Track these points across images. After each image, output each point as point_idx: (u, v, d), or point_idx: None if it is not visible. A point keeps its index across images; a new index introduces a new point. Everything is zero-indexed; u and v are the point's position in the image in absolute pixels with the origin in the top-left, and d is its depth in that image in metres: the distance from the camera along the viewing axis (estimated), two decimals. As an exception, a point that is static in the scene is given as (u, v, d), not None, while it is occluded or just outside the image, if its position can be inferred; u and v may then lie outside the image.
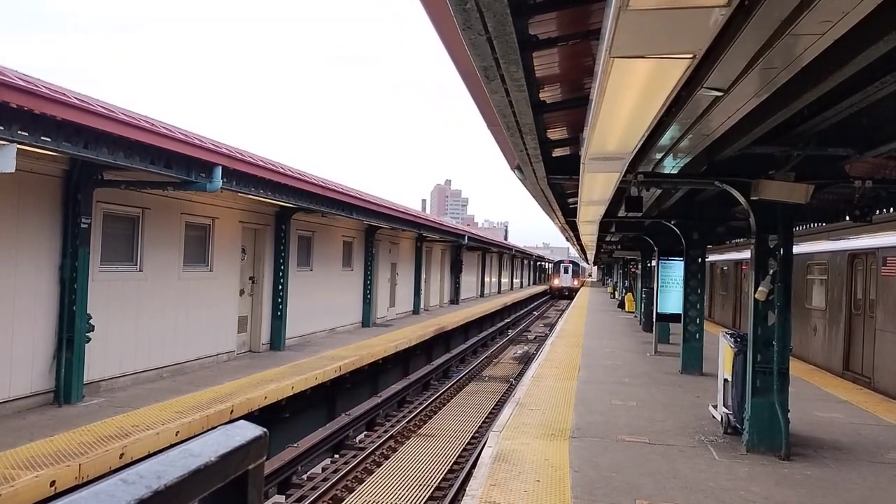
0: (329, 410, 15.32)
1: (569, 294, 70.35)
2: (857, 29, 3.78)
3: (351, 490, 10.32)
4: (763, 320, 8.75)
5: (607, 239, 24.86)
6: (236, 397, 11.03)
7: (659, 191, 11.66)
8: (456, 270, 38.88)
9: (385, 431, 14.02)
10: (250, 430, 1.05)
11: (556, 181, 10.55)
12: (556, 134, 9.00)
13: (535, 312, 52.39)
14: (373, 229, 23.50)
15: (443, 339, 26.09)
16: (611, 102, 4.22)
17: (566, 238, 33.07)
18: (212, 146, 11.00)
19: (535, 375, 14.11)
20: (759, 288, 8.72)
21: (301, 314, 18.19)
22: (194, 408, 10.19)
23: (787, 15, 3.45)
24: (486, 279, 50.22)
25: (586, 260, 56.25)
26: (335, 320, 21.23)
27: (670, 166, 8.50)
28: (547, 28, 5.22)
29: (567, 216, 17.45)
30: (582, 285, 78.59)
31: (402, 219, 23.77)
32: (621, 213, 12.30)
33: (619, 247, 28.93)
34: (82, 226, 10.37)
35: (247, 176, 12.37)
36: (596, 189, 9.06)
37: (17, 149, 7.52)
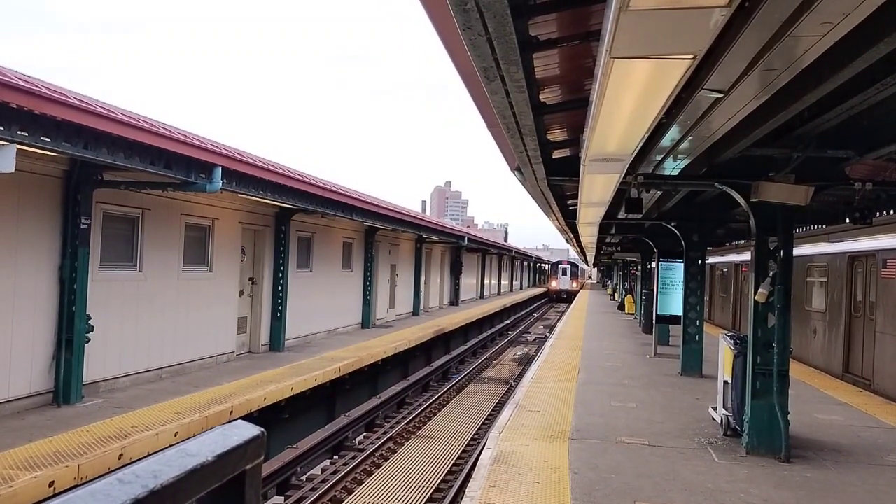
0: (328, 411, 15.30)
1: (567, 297, 67.24)
2: (857, 31, 3.78)
3: (350, 491, 10.30)
4: (763, 322, 8.75)
5: (607, 241, 24.86)
6: (236, 398, 11.02)
7: (659, 192, 11.68)
8: (456, 272, 38.87)
9: (384, 433, 14.00)
10: (248, 430, 1.04)
11: (556, 182, 10.56)
12: (555, 135, 9.00)
13: (534, 314, 52.40)
14: (372, 230, 23.50)
15: (442, 341, 26.07)
16: (611, 103, 4.21)
17: (566, 240, 33.07)
18: (212, 147, 11.00)
19: (535, 377, 14.11)
20: (759, 290, 8.71)
21: (301, 315, 18.18)
22: (193, 409, 10.18)
23: (787, 16, 3.46)
24: (486, 281, 50.20)
25: (586, 261, 56.17)
26: (335, 321, 21.22)
27: (670, 168, 8.51)
28: (547, 29, 5.23)
29: (567, 218, 17.45)
30: (581, 287, 75.52)
31: (402, 220, 23.76)
32: (621, 214, 12.32)
33: (619, 248, 28.95)
34: (82, 226, 10.36)
35: (247, 177, 12.37)
36: (596, 190, 9.06)
37: (17, 149, 7.52)
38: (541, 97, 6.80)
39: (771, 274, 8.73)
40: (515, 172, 10.39)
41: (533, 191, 12.14)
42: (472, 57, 4.35)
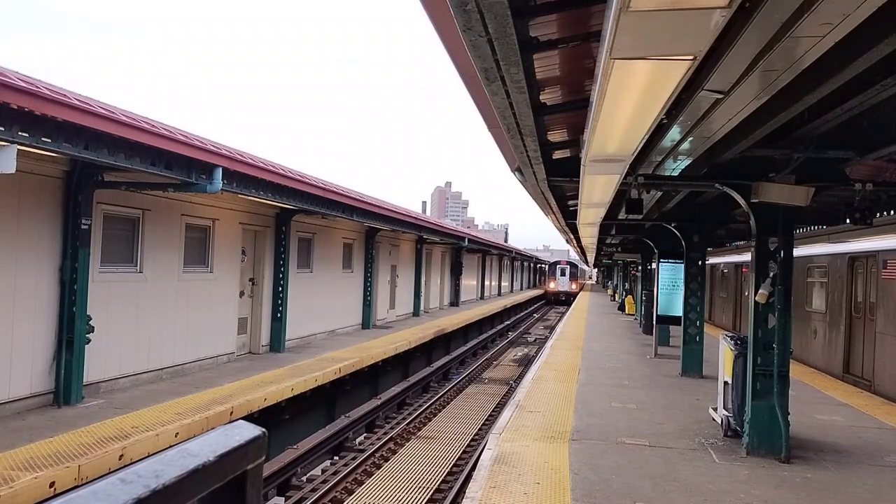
0: (329, 412, 15.30)
1: (566, 299, 62.70)
2: (857, 31, 3.78)
3: (350, 492, 10.30)
4: (763, 323, 8.75)
5: (607, 241, 24.86)
6: (236, 399, 11.02)
7: (659, 193, 11.68)
8: (456, 273, 38.86)
9: (385, 433, 14.00)
10: (249, 430, 1.04)
11: (556, 183, 10.56)
12: (556, 136, 9.00)
13: (535, 315, 52.41)
14: (373, 231, 23.50)
15: (443, 342, 26.08)
16: (611, 104, 4.22)
17: (566, 240, 33.07)
18: (212, 147, 11.00)
19: (535, 378, 14.11)
20: (760, 290, 8.71)
21: (301, 316, 18.18)
22: (194, 409, 10.18)
23: (787, 17, 3.46)
24: (487, 282, 50.20)
25: (586, 262, 55.92)
26: (335, 322, 21.22)
27: (671, 168, 8.51)
28: (547, 30, 5.23)
29: (567, 218, 17.45)
30: (581, 289, 71.31)
31: (403, 221, 23.76)
32: (621, 215, 12.31)
33: (620, 249, 28.96)
34: (82, 227, 10.37)
35: (247, 177, 12.37)
36: (596, 191, 9.06)
37: (18, 150, 7.52)
38: (541, 98, 6.81)
39: (771, 275, 8.73)
40: (516, 173, 10.39)
41: (533, 191, 12.14)
42: (472, 58, 4.36)
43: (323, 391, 14.54)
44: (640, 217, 11.05)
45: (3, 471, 7.02)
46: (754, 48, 3.90)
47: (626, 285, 41.86)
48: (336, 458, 12.56)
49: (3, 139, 7.36)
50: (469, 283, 43.38)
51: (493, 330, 36.07)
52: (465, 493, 7.47)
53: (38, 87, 7.51)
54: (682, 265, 15.79)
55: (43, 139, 7.89)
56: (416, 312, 30.13)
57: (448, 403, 17.25)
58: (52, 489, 7.06)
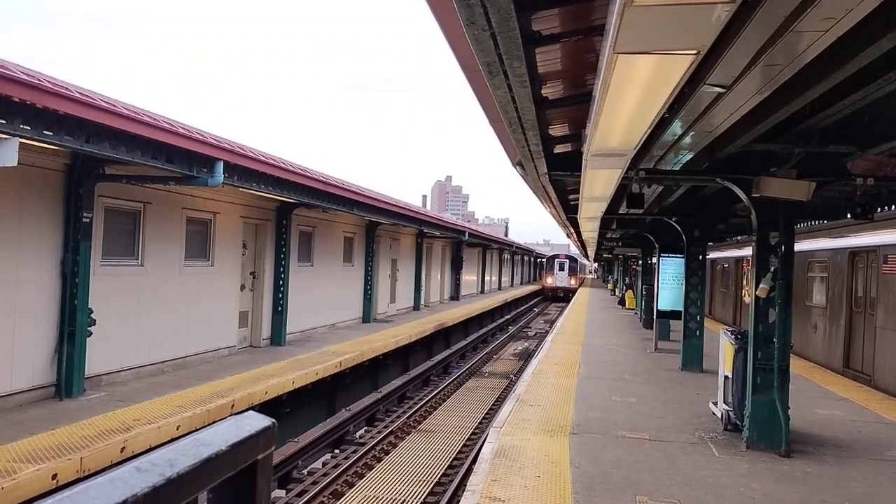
0: (329, 406, 15.35)
1: (564, 296, 57.82)
2: (859, 26, 3.78)
3: (351, 485, 10.34)
4: (764, 317, 8.76)
5: (608, 236, 24.87)
6: (237, 392, 11.05)
7: (660, 187, 11.68)
8: (456, 267, 38.88)
9: (385, 427, 14.04)
10: (259, 421, 1.06)
11: (557, 178, 10.56)
12: (557, 130, 9.00)
13: (535, 309, 52.45)
14: (374, 225, 23.51)
15: (443, 336, 26.11)
16: (614, 99, 4.22)
17: (567, 234, 33.09)
18: (213, 141, 11.00)
19: (536, 372, 14.13)
20: (761, 285, 8.73)
21: (302, 309, 18.21)
22: (195, 402, 10.21)
23: (790, 12, 3.46)
24: (487, 276, 50.22)
25: (586, 256, 55.71)
26: (336, 316, 21.25)
27: (672, 163, 8.51)
28: (550, 24, 5.23)
29: (568, 213, 17.46)
30: (581, 284, 66.96)
31: (403, 215, 23.77)
32: (622, 209, 12.30)
33: (620, 243, 28.96)
34: (84, 220, 10.38)
35: (248, 171, 12.38)
36: (598, 186, 9.07)
37: (20, 143, 7.53)
38: (543, 92, 6.81)
39: (772, 269, 8.74)
40: (517, 167, 10.39)
41: (534, 186, 12.15)
42: (475, 52, 4.36)
43: (324, 384, 14.57)
44: (641, 211, 11.07)
45: (5, 463, 7.05)
46: (756, 43, 3.90)
47: (627, 280, 41.86)
48: (337, 451, 12.60)
49: (4, 132, 7.36)
50: (469, 277, 43.41)
51: (494, 324, 36.11)
52: (465, 486, 7.50)
53: (39, 80, 7.51)
54: (683, 259, 15.79)
55: (45, 132, 7.89)
56: (416, 306, 30.16)
57: (448, 397, 17.29)
58: (55, 481, 7.08)
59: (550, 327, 31.03)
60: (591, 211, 13.06)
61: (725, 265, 28.34)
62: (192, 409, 9.76)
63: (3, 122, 7.30)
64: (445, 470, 11.08)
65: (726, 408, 9.56)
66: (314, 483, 10.40)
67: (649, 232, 19.28)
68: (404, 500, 9.67)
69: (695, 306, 15.28)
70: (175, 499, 0.82)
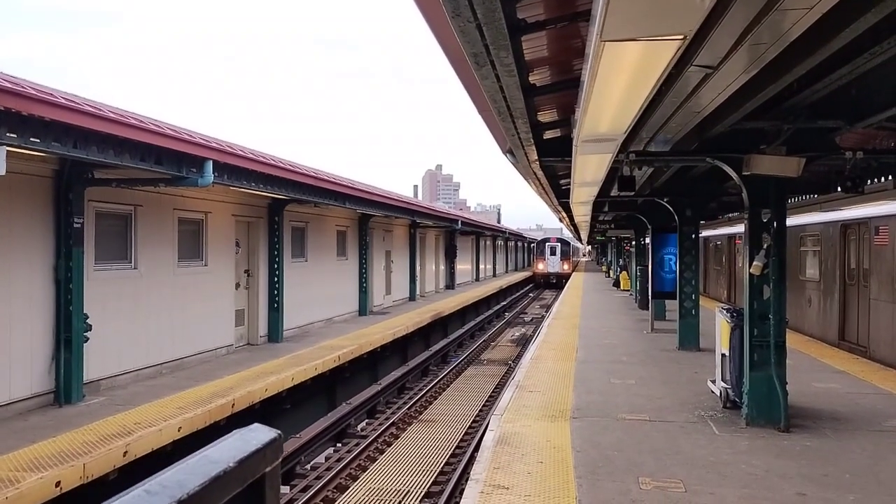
0: (329, 400, 15.36)
1: (557, 282, 55.52)
2: (844, 1, 3.78)
3: (355, 478, 10.37)
4: (758, 294, 8.79)
5: (600, 218, 24.89)
6: (237, 391, 11.06)
7: (651, 169, 11.69)
8: (451, 255, 38.89)
9: (386, 419, 14.08)
10: (265, 433, 1.06)
11: (548, 164, 10.55)
12: (546, 116, 9.00)
13: (530, 294, 52.55)
14: (366, 218, 23.48)
15: (440, 325, 26.15)
16: (602, 86, 4.22)
17: (559, 219, 33.13)
18: (202, 141, 10.95)
19: (534, 357, 14.17)
20: (754, 262, 8.75)
21: (297, 305, 18.20)
22: (195, 403, 10.21)
23: (775, -9, 3.46)
24: (482, 264, 50.24)
25: (579, 239, 55.50)
26: (332, 310, 21.25)
27: (662, 144, 8.52)
28: (534, 11, 5.22)
29: (560, 198, 17.48)
30: (574, 269, 63.39)
31: (395, 206, 23.75)
32: (614, 192, 12.33)
33: (613, 226, 28.99)
34: (75, 225, 10.34)
35: (238, 169, 12.33)
36: (589, 170, 9.07)
37: (7, 151, 7.48)
38: (530, 79, 6.80)
39: (765, 246, 8.77)
40: (507, 155, 10.39)
41: (525, 173, 12.14)
42: (461, 43, 4.35)
43: (323, 379, 14.59)
44: (633, 193, 11.08)
45: (8, 472, 7.04)
46: (742, 23, 3.90)
47: (621, 261, 41.93)
48: (339, 444, 12.63)
49: (-9, 141, 7.32)
50: (464, 265, 43.44)
51: (490, 311, 36.16)
52: (468, 474, 7.53)
53: (23, 88, 7.46)
54: (676, 238, 15.81)
55: (31, 139, 7.84)
56: (412, 297, 30.17)
57: (448, 386, 17.34)
58: (59, 489, 7.09)
59: (547, 312, 31.11)
60: (583, 195, 13.07)
61: (718, 243, 28.41)
62: (192, 410, 9.76)
63: (-11, 130, 7.26)
64: (448, 459, 11.13)
65: (724, 385, 9.60)
66: (318, 478, 10.43)
67: (641, 213, 19.30)
68: (408, 490, 9.71)
69: (689, 285, 15.31)
70: (186, 520, 0.82)
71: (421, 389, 16.93)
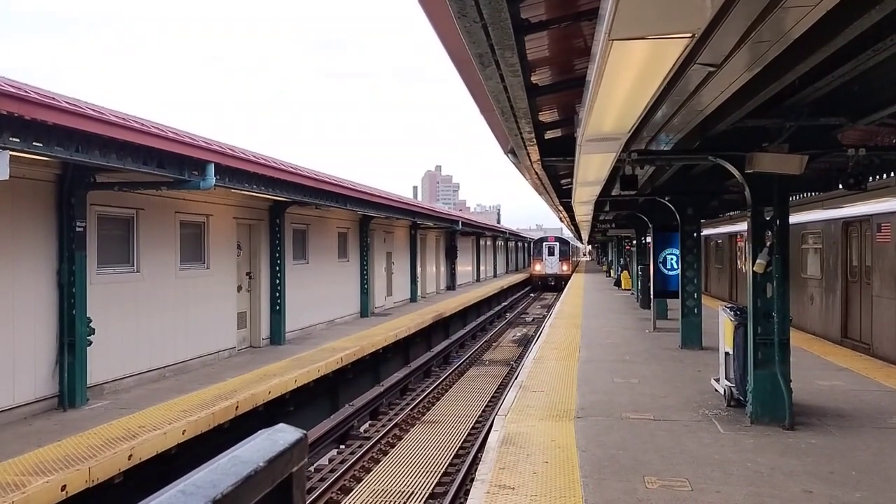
0: (332, 402, 15.36)
1: (555, 284, 52.29)
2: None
3: (359, 480, 10.37)
4: (762, 292, 8.79)
5: (601, 218, 24.89)
6: (240, 393, 11.05)
7: (652, 168, 11.69)
8: (451, 256, 38.89)
9: (389, 420, 14.09)
10: (291, 434, 1.06)
11: (549, 163, 10.56)
12: (547, 116, 9.00)
13: (531, 294, 52.54)
14: (367, 219, 23.49)
15: (442, 326, 26.14)
16: (609, 85, 4.22)
17: (560, 218, 33.12)
18: (203, 144, 10.96)
19: (536, 357, 14.17)
20: (757, 260, 8.75)
21: (299, 307, 18.20)
22: (199, 406, 10.21)
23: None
24: (482, 264, 50.24)
25: (580, 239, 55.06)
26: (333, 312, 21.24)
27: (664, 143, 8.52)
28: (538, 11, 5.22)
29: (562, 197, 17.47)
30: (574, 270, 59.77)
31: (396, 207, 23.75)
32: (615, 191, 12.32)
33: (614, 225, 28.97)
34: (77, 229, 10.34)
35: (239, 172, 12.34)
36: (591, 170, 9.07)
37: (10, 155, 7.49)
38: (532, 79, 6.80)
39: (768, 244, 8.77)
40: (509, 155, 10.39)
41: (527, 173, 12.15)
42: (466, 43, 4.35)
43: (326, 381, 14.58)
44: (635, 193, 11.08)
45: (14, 477, 7.04)
46: (745, 21, 3.91)
47: (622, 261, 41.92)
48: (342, 446, 12.63)
49: (-6, 146, 7.32)
50: (464, 266, 43.44)
51: (491, 311, 36.17)
52: (472, 475, 7.53)
53: (26, 92, 7.47)
54: (678, 237, 15.81)
55: (34, 143, 7.85)
56: (413, 298, 30.17)
57: (450, 387, 17.35)
58: (65, 493, 7.08)
59: (548, 312, 31.11)
60: (584, 195, 13.08)
61: (719, 241, 28.41)
62: (196, 413, 9.76)
63: (-8, 135, 7.26)
64: (452, 460, 11.13)
65: (728, 384, 9.60)
66: (322, 480, 10.43)
67: (643, 212, 19.31)
68: (413, 492, 9.71)
69: (691, 284, 15.31)
70: (221, 520, 0.82)
71: (423, 390, 16.94)
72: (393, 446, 12.10)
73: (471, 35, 4.13)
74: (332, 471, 10.86)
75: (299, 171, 14.92)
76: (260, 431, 1.06)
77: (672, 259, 17.59)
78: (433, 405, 15.36)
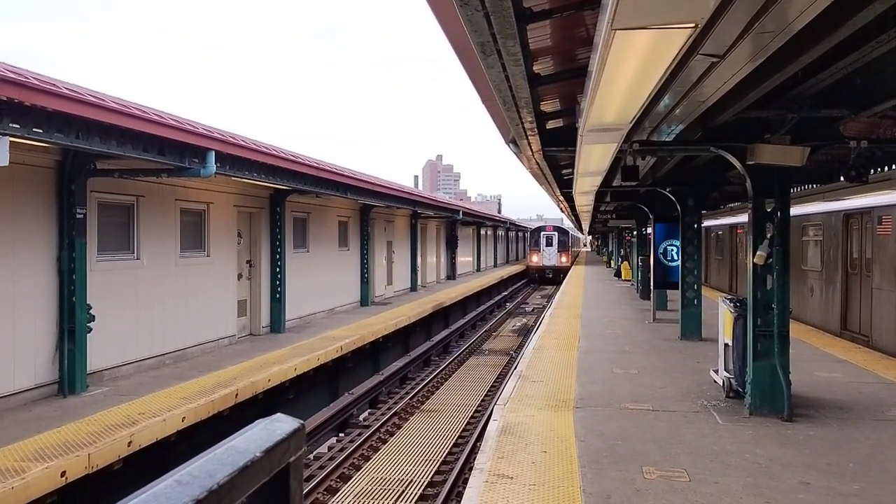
0: (332, 390, 15.40)
1: (553, 277, 49.37)
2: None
3: (358, 468, 10.41)
4: (762, 284, 8.79)
5: (602, 208, 24.86)
6: (240, 381, 11.08)
7: (654, 158, 11.67)
8: (452, 246, 38.89)
9: (389, 409, 14.12)
10: (289, 423, 1.06)
11: (550, 153, 10.54)
12: (548, 106, 8.97)
13: (531, 285, 52.55)
14: (367, 208, 23.47)
15: (442, 315, 26.17)
16: (611, 75, 4.20)
17: (560, 209, 33.08)
18: (204, 131, 10.93)
19: (536, 347, 14.18)
20: (758, 252, 8.74)
21: (299, 296, 18.21)
22: (199, 393, 10.23)
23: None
24: (482, 254, 50.23)
25: (580, 229, 54.80)
26: (334, 300, 21.26)
27: (666, 133, 8.50)
28: (540, 0, 5.19)
29: (563, 188, 17.44)
30: (574, 261, 56.78)
31: (397, 196, 23.73)
32: (616, 182, 12.30)
33: (614, 215, 28.96)
34: (78, 216, 10.34)
35: (240, 160, 12.32)
36: (593, 160, 9.05)
37: (10, 141, 7.47)
38: (534, 69, 6.77)
39: (768, 235, 8.76)
40: (510, 145, 10.37)
41: (528, 163, 12.12)
42: (468, 32, 4.32)
43: (325, 370, 14.61)
44: (636, 183, 11.05)
45: (14, 462, 7.07)
46: (749, 12, 3.89)
47: (622, 252, 41.90)
48: (342, 434, 12.67)
49: (-6, 132, 7.30)
50: (465, 256, 43.44)
51: (491, 301, 36.20)
52: (471, 464, 7.55)
53: (26, 78, 7.45)
54: (678, 229, 15.80)
55: (34, 130, 7.83)
56: (413, 287, 30.19)
57: (450, 376, 17.38)
58: (64, 478, 7.11)
59: (548, 302, 31.13)
60: (585, 185, 13.05)
61: (720, 232, 28.39)
62: (196, 401, 9.78)
63: (-8, 121, 7.25)
64: (451, 448, 11.17)
65: (728, 375, 9.62)
66: (321, 467, 10.47)
67: (643, 203, 19.29)
68: (411, 479, 9.75)
69: (691, 275, 15.31)
70: (217, 509, 0.82)
71: (423, 379, 16.97)
72: (392, 435, 12.14)
73: (473, 24, 4.11)
74: (331, 458, 10.90)
75: (300, 160, 14.90)
76: (257, 421, 1.06)
77: (672, 250, 17.57)
78: (432, 394, 15.39)
